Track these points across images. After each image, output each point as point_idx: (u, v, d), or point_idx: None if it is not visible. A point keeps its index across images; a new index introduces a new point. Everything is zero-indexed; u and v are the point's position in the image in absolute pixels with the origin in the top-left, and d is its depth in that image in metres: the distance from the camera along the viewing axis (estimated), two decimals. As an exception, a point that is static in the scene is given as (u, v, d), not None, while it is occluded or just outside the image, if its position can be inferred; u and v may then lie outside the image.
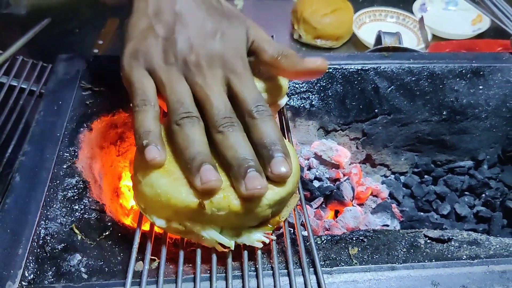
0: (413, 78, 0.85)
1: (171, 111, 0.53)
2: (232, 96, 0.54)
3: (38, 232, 0.56)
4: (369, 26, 1.46)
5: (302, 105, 0.84)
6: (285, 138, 0.62)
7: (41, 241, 0.55)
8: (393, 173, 0.92)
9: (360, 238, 0.59)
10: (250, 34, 0.59)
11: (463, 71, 0.86)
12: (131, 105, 0.54)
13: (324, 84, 0.84)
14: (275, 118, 0.63)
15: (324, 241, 0.58)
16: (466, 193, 0.88)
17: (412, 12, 1.48)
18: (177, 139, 0.51)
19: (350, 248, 0.57)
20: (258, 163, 0.49)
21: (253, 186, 0.47)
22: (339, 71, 0.84)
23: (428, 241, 0.59)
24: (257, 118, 0.52)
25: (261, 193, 0.47)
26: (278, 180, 0.50)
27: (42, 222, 0.57)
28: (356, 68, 0.85)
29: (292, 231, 0.68)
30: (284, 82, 0.63)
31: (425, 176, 0.90)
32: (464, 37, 1.40)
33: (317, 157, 0.85)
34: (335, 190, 0.79)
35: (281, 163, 0.49)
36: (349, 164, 0.87)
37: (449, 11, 1.53)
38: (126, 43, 0.57)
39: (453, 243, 0.59)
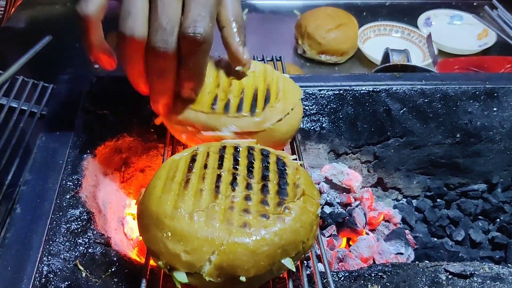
0: (426, 100, 0.83)
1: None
2: None
3: (40, 270, 0.53)
4: (374, 41, 1.44)
5: (312, 127, 0.81)
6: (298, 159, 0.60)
7: (43, 279, 0.52)
8: (405, 196, 0.89)
9: (379, 274, 0.56)
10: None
11: (477, 92, 0.84)
12: None
13: (334, 106, 0.81)
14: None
15: (342, 278, 0.55)
16: (480, 217, 0.85)
17: (416, 27, 1.46)
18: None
19: (369, 285, 0.54)
20: None
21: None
22: (350, 92, 0.82)
23: (450, 276, 0.57)
24: None
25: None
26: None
27: (44, 258, 0.54)
28: (367, 89, 0.82)
29: (306, 264, 0.65)
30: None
31: (438, 200, 0.88)
32: (470, 53, 1.38)
33: (328, 181, 0.82)
34: (347, 217, 0.76)
35: None
36: (361, 188, 0.84)
37: (454, 26, 1.51)
38: None
39: (475, 278, 0.56)
